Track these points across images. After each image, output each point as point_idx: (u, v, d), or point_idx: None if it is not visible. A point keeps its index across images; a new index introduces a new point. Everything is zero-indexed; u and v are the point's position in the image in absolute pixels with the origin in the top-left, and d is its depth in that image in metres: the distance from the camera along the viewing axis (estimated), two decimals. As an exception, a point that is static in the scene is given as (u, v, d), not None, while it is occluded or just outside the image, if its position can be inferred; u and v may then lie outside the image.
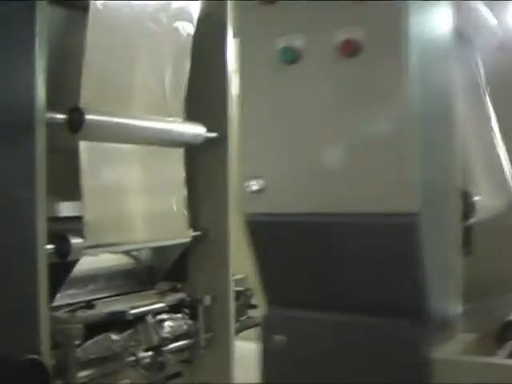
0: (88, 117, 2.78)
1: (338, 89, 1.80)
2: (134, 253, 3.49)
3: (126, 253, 3.47)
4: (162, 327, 3.17)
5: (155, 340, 3.10)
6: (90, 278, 3.30)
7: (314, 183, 1.79)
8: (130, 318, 3.04)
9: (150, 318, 3.11)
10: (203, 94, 3.54)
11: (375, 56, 1.76)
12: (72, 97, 2.86)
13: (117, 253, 3.38)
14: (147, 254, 3.57)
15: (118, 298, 3.28)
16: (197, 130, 3.41)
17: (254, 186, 1.83)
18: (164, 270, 3.57)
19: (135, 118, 3.05)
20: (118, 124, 2.96)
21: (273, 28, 1.90)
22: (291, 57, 1.85)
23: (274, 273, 1.83)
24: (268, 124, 1.89)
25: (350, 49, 1.76)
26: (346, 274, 1.74)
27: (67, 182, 2.93)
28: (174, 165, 3.38)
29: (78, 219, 2.96)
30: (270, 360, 1.88)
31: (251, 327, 4.02)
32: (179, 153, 3.40)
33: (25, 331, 2.59)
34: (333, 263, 1.74)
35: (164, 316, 3.27)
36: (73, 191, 2.95)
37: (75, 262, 2.94)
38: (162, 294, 3.41)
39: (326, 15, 1.82)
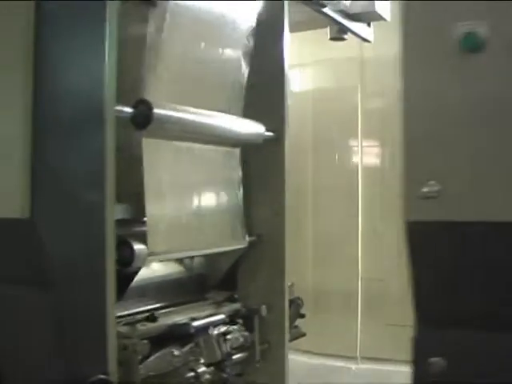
0: (156, 111, 2.44)
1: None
2: (186, 260, 3.13)
3: (178, 260, 3.11)
4: (226, 340, 2.81)
5: (219, 355, 2.75)
6: (141, 288, 2.93)
7: (500, 187, 1.46)
8: (193, 331, 2.68)
9: (212, 331, 2.76)
10: (259, 92, 3.20)
11: None
12: (136, 91, 2.52)
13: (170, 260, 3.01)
14: (198, 260, 3.21)
15: (172, 309, 2.91)
16: (257, 128, 3.07)
17: (430, 190, 1.49)
18: (216, 278, 3.21)
19: (202, 114, 2.71)
20: (185, 121, 2.61)
21: (448, 13, 1.56)
22: (474, 45, 1.51)
23: (435, 288, 1.50)
24: (443, 121, 1.56)
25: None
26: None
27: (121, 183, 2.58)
28: (231, 165, 3.04)
29: (127, 222, 2.62)
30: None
31: (299, 337, 3.69)
32: (236, 153, 3.06)
33: (92, 348, 2.24)
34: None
35: (222, 328, 2.92)
36: (127, 192, 2.61)
37: (137, 270, 2.59)
38: (218, 305, 3.06)
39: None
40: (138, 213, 2.67)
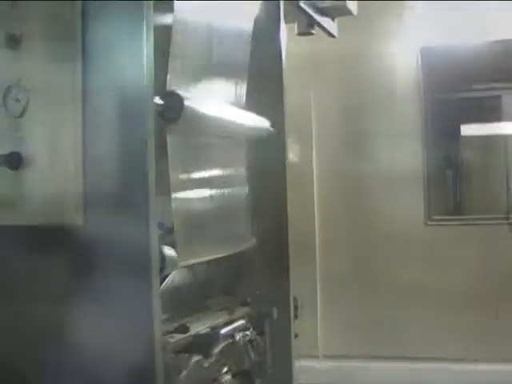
0: (187, 103, 2.22)
1: None
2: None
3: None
4: (254, 347, 2.62)
5: (247, 364, 2.56)
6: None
7: None
8: (222, 339, 2.48)
9: (239, 338, 2.56)
10: (256, 87, 3.03)
11: None
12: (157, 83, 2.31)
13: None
14: (203, 263, 2.99)
15: (189, 318, 2.68)
16: (263, 123, 2.91)
17: None
18: (222, 281, 3.01)
19: (224, 108, 2.53)
20: (211, 114, 2.42)
21: None
22: None
23: None
24: None
25: None
26: None
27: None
28: (242, 162, 2.86)
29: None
30: None
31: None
32: (244, 148, 2.89)
33: (139, 363, 2.00)
34: None
35: (240, 334, 2.72)
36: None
37: (165, 277, 2.36)
38: (229, 310, 2.85)
39: None
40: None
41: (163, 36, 2.33)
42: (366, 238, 5.36)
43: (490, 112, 5.58)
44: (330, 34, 4.39)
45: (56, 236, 1.88)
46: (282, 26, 3.15)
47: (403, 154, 5.31)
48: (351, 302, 5.36)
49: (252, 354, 2.62)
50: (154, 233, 2.02)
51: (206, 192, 2.55)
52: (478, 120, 5.72)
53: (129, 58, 1.97)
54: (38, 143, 1.89)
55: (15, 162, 1.85)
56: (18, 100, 1.88)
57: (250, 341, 2.65)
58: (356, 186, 5.43)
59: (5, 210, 1.88)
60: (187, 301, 2.87)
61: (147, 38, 2.01)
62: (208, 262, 2.88)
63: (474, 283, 5.15)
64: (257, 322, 2.92)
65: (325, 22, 4.27)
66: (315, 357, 5.42)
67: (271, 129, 2.97)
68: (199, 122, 2.38)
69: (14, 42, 1.85)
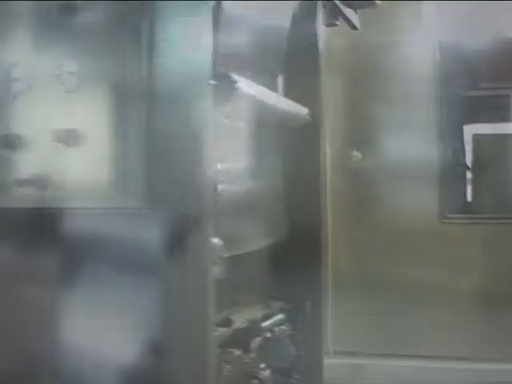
0: (240, 85, 2.09)
1: None
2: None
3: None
4: (293, 343, 2.49)
5: (289, 359, 2.42)
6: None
7: None
8: (266, 333, 2.34)
9: (278, 333, 2.43)
10: (294, 75, 2.92)
11: None
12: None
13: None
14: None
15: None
16: (300, 110, 2.79)
17: None
18: (256, 274, 2.87)
19: (269, 93, 2.41)
20: (260, 99, 2.29)
21: None
22: None
23: None
24: None
25: None
26: None
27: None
28: (279, 149, 2.74)
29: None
30: None
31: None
32: (282, 136, 2.77)
33: (191, 360, 1.87)
34: None
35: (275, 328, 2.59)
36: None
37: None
38: (265, 304, 2.72)
39: None
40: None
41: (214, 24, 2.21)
42: (378, 234, 5.23)
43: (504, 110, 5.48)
44: (353, 26, 4.28)
45: (107, 218, 1.76)
46: (319, 18, 3.06)
47: (418, 150, 5.17)
48: (363, 299, 5.23)
49: (291, 349, 2.48)
50: (207, 220, 1.89)
51: (247, 182, 2.43)
52: (493, 118, 5.62)
53: (189, 41, 1.87)
54: (94, 120, 1.76)
55: (72, 139, 1.71)
56: (72, 73, 1.73)
57: (289, 335, 2.52)
58: (369, 182, 5.29)
59: (62, 192, 1.74)
60: (226, 293, 2.74)
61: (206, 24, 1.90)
62: (244, 254, 2.76)
63: (486, 282, 5.04)
64: (290, 316, 2.80)
65: (348, 13, 4.18)
66: (326, 353, 5.29)
67: (309, 117, 2.85)
68: (247, 104, 2.25)
69: (72, 10, 1.71)
